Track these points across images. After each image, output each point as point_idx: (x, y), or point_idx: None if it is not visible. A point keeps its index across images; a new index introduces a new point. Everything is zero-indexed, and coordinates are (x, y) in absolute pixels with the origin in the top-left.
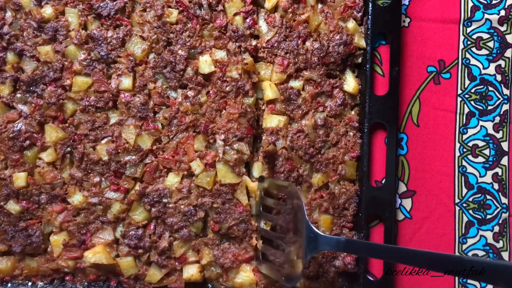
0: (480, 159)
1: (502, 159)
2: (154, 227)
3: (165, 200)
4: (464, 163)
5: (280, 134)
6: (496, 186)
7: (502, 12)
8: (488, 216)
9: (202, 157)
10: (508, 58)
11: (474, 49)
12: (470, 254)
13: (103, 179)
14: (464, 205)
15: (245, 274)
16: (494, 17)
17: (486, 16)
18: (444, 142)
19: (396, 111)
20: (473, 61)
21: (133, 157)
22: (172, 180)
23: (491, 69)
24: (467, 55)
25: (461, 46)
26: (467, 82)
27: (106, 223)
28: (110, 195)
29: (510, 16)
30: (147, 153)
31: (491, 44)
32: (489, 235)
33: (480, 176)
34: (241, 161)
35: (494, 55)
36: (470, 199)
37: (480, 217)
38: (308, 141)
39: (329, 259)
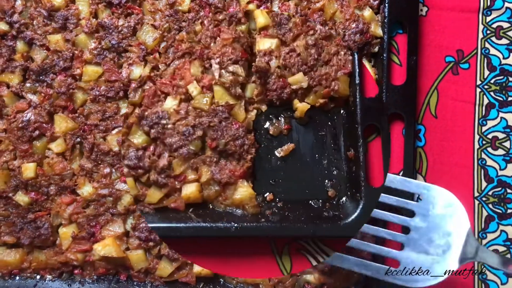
0: (500, 151)
1: None
2: (153, 149)
3: (163, 122)
4: (483, 155)
5: (273, 54)
6: None
7: None
8: (509, 211)
9: (199, 80)
10: None
11: (494, 39)
12: (490, 249)
13: (113, 170)
14: (484, 199)
15: (243, 189)
16: None
17: (506, 4)
18: (463, 134)
19: (414, 101)
20: (492, 51)
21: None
22: (170, 103)
23: None
24: (487, 45)
25: (480, 35)
26: (486, 72)
27: (116, 215)
28: (121, 187)
29: None
30: (146, 80)
31: (511, 33)
32: (510, 230)
33: (500, 169)
34: (236, 82)
35: None
36: (490, 193)
37: (500, 211)
38: (300, 59)
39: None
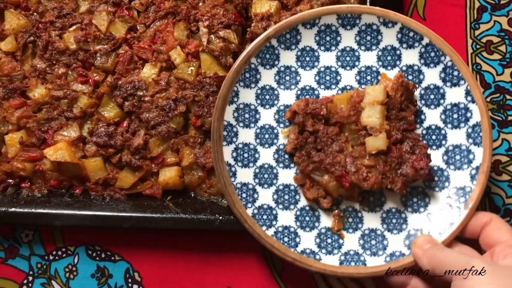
0: (496, 56)
1: None
2: (127, 125)
3: (140, 93)
4: (478, 60)
5: (272, 19)
6: None
7: None
8: (510, 118)
9: (183, 46)
10: None
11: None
12: None
13: (69, 71)
14: None
15: None
16: None
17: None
18: (455, 38)
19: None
20: None
21: (105, 46)
22: (149, 71)
23: None
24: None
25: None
26: None
27: (71, 119)
28: (77, 88)
29: None
30: (121, 43)
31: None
32: (511, 138)
33: (497, 75)
34: (227, 50)
35: None
36: (488, 99)
37: (500, 118)
38: None
39: (394, 165)
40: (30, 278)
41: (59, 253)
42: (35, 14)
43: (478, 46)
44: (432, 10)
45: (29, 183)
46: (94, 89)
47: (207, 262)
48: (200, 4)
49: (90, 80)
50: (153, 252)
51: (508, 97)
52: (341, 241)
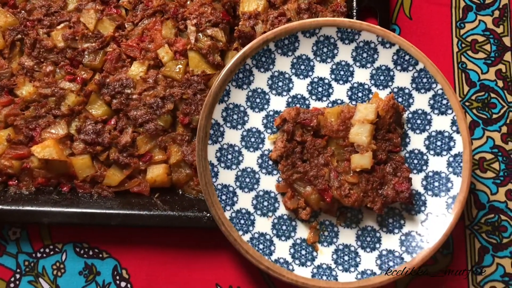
0: (481, 54)
1: (505, 54)
2: (115, 122)
3: (128, 91)
4: (463, 59)
5: (259, 18)
6: (500, 83)
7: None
8: (494, 116)
9: (171, 44)
10: None
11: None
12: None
13: (57, 69)
14: (467, 103)
15: None
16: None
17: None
18: (441, 37)
19: None
20: None
21: (93, 44)
22: (137, 69)
23: None
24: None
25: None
26: None
27: (59, 116)
28: (65, 85)
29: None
30: (109, 41)
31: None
32: (496, 136)
33: (482, 73)
34: (215, 48)
35: None
36: (473, 97)
37: (485, 116)
38: None
39: (376, 185)
40: (18, 276)
41: (47, 250)
42: (23, 11)
43: (463, 45)
44: (418, 10)
45: (16, 181)
46: (82, 87)
47: (195, 259)
48: (188, 2)
49: (78, 78)
50: (141, 249)
51: (492, 95)
52: (315, 253)
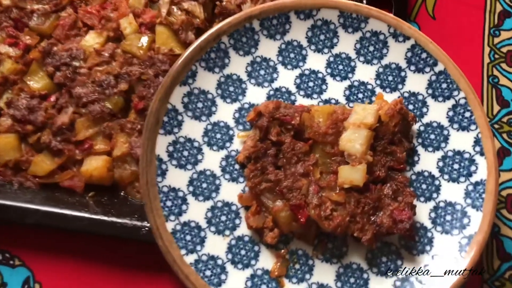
0: None
1: None
2: (55, 100)
3: (76, 63)
4: (495, 72)
5: None
6: None
7: None
8: None
9: (137, 14)
10: None
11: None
12: None
13: None
14: (496, 126)
15: None
16: None
17: None
18: (469, 44)
19: None
20: None
21: (45, 6)
22: (92, 40)
23: None
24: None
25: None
26: None
27: None
28: (3, 49)
29: None
30: (65, 4)
31: None
32: None
33: None
34: (190, 25)
35: None
36: (505, 120)
37: None
38: None
39: (368, 209)
40: None
41: None
42: None
43: (496, 56)
44: (444, 9)
45: None
46: (24, 54)
47: (129, 281)
48: None
49: (21, 43)
50: (62, 261)
51: None
52: None
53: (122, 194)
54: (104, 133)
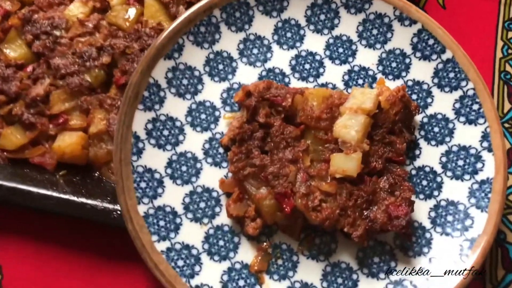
0: None
1: None
2: (32, 70)
3: (56, 33)
4: (508, 68)
5: None
6: None
7: None
8: None
9: None
10: None
11: None
12: None
13: None
14: (506, 125)
15: None
16: None
17: None
18: (481, 37)
19: None
20: None
21: None
22: (76, 9)
23: None
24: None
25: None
26: None
27: None
28: None
29: None
30: None
31: None
32: None
33: None
34: None
35: None
36: None
37: None
38: None
39: (361, 202)
40: None
41: None
42: None
43: (510, 51)
44: None
45: None
46: (3, 20)
47: (96, 267)
48: None
49: (0, 9)
50: (25, 242)
51: None
52: None
53: (96, 175)
54: (81, 108)
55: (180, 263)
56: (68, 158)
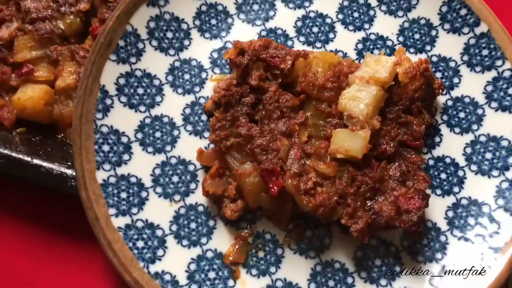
0: None
1: None
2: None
3: None
4: None
5: None
6: None
7: None
8: None
9: None
10: None
11: None
12: None
13: None
14: None
15: None
16: None
17: None
18: None
19: None
20: None
21: None
22: None
23: None
24: None
25: None
26: None
27: None
28: None
29: None
30: None
31: None
32: None
33: None
34: None
35: None
36: None
37: None
38: None
39: (365, 190)
40: None
41: None
42: None
43: None
44: None
45: None
46: None
47: (47, 241)
48: None
49: None
50: None
51: None
52: (230, 283)
53: (60, 136)
54: (49, 58)
55: (140, 244)
56: (29, 114)
